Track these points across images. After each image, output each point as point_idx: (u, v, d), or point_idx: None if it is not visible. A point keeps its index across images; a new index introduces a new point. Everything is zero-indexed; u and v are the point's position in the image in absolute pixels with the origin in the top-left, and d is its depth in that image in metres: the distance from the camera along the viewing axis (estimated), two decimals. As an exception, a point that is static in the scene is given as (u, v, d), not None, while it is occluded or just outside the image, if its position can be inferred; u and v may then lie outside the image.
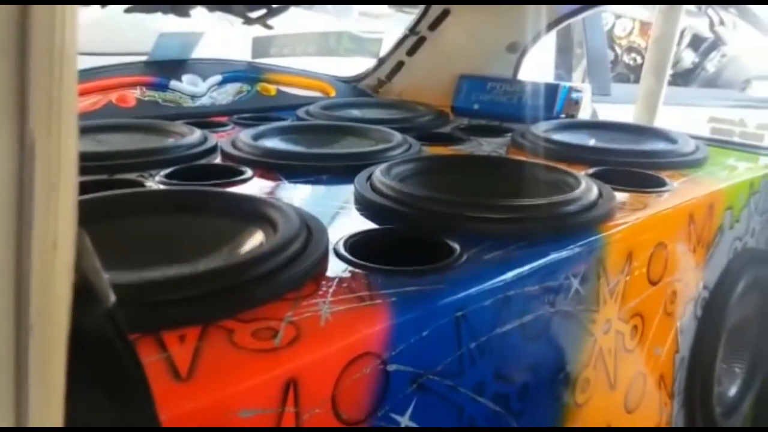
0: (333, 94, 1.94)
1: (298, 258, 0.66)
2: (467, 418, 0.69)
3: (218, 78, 1.73)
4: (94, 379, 0.25)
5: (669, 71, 2.26)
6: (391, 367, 0.60)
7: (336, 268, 0.70)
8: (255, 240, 0.71)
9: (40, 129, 0.19)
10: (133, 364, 0.27)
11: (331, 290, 0.64)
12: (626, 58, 5.52)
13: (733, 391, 1.33)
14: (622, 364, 0.95)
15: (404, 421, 0.62)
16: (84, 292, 0.23)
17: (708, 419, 1.21)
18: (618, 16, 5.46)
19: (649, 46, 2.23)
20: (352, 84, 1.99)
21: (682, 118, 2.45)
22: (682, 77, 4.97)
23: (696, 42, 5.00)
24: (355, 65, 2.04)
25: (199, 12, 1.60)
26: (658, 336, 1.05)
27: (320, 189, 1.02)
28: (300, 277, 0.63)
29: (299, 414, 0.52)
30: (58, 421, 0.22)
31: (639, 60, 5.15)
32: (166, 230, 0.75)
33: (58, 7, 0.20)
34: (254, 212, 0.76)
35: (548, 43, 3.22)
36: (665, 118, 2.26)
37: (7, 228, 0.20)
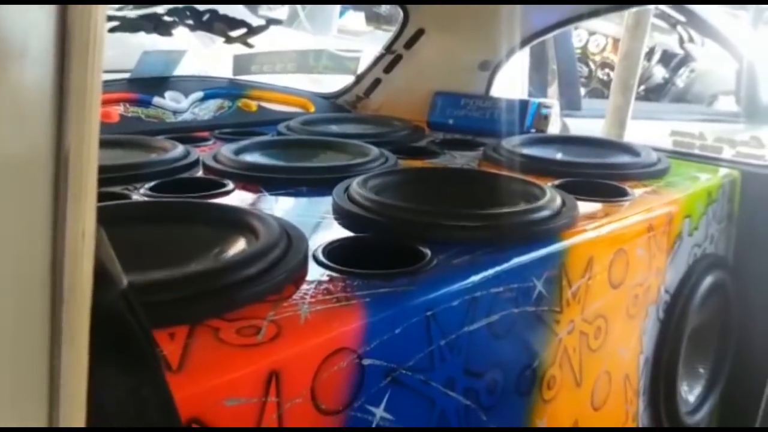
0: (312, 109, 1.99)
1: (279, 263, 0.71)
2: (438, 410, 0.74)
3: (200, 94, 1.77)
4: (109, 350, 0.30)
5: (636, 87, 2.36)
6: (366, 362, 0.64)
7: (315, 272, 0.75)
8: (238, 247, 0.76)
9: (74, 139, 0.24)
10: (143, 336, 0.32)
11: (310, 292, 0.69)
12: (600, 74, 5.66)
13: (696, 390, 1.39)
14: (588, 363, 1.00)
15: (379, 412, 0.67)
16: (101, 276, 0.28)
17: (672, 417, 1.27)
18: (592, 33, 5.60)
19: (616, 63, 2.33)
20: (331, 100, 2.04)
21: (651, 131, 2.54)
22: (654, 92, 5.10)
23: (666, 58, 5.15)
24: (334, 83, 2.10)
25: (180, 30, 1.66)
26: (622, 337, 1.11)
27: (300, 200, 1.07)
28: (281, 280, 0.68)
29: (281, 403, 0.57)
30: (83, 381, 0.27)
31: (612, 75, 5.29)
32: (153, 239, 0.79)
33: (92, 7, 0.24)
34: (237, 221, 0.81)
35: (522, 60, 3.31)
36: (634, 132, 2.34)
37: (45, 220, 0.24)
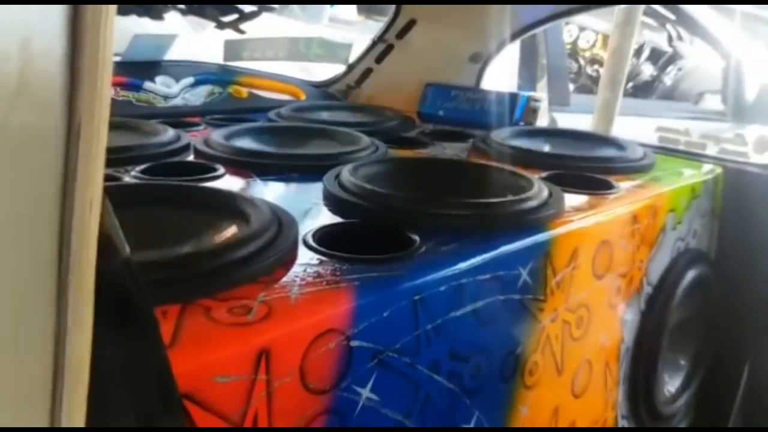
0: (303, 97, 1.99)
1: (270, 246, 0.72)
2: (423, 393, 0.76)
3: (191, 80, 1.77)
4: (111, 315, 0.31)
5: (624, 83, 2.38)
6: (354, 343, 0.66)
7: (305, 256, 0.76)
8: (230, 230, 0.77)
9: (85, 115, 0.25)
10: (144, 303, 0.33)
11: (300, 275, 0.70)
12: (589, 70, 5.70)
13: (675, 381, 1.42)
14: (569, 351, 1.03)
15: (365, 392, 0.68)
16: (106, 244, 0.29)
17: (651, 406, 1.30)
18: (582, 29, 5.63)
19: (605, 60, 2.35)
20: (322, 88, 2.05)
21: (638, 127, 2.57)
22: (642, 89, 5.14)
23: (655, 55, 5.19)
24: (324, 72, 2.10)
25: (172, 15, 1.65)
26: (604, 327, 1.14)
27: (290, 186, 1.08)
28: (272, 262, 0.69)
29: (270, 381, 0.58)
30: (87, 340, 0.28)
31: (601, 71, 5.32)
32: (145, 221, 0.79)
33: (103, 6, 0.25)
34: (229, 205, 0.82)
35: (512, 54, 3.33)
36: (622, 128, 2.37)
37: (55, 190, 0.26)
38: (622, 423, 1.26)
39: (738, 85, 3.47)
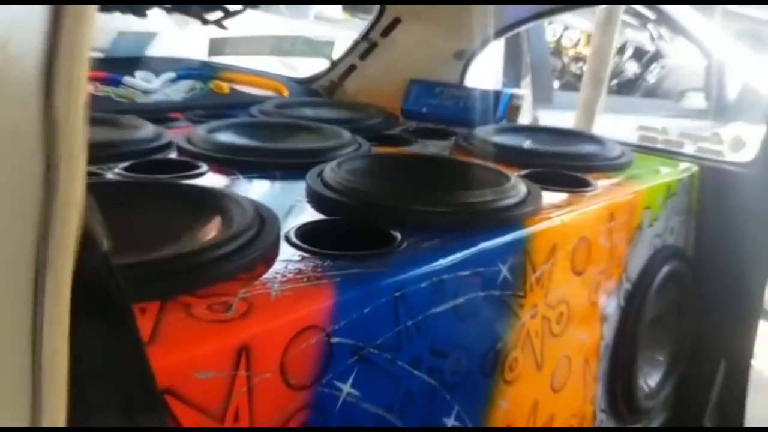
0: (286, 93, 1.99)
1: (252, 243, 0.72)
2: (404, 388, 0.77)
3: (172, 75, 1.76)
4: (89, 309, 0.31)
5: (607, 81, 2.41)
6: (335, 340, 0.67)
7: (287, 253, 0.76)
8: (211, 226, 0.77)
9: (61, 107, 0.25)
10: (121, 298, 0.34)
11: (281, 272, 0.70)
12: (573, 68, 5.73)
13: (654, 375, 1.44)
14: (549, 347, 1.04)
15: (346, 388, 0.69)
16: (86, 238, 0.29)
17: (629, 400, 1.32)
18: (566, 28, 5.67)
19: (588, 58, 2.37)
20: (306, 85, 2.05)
21: (620, 125, 2.60)
22: (626, 87, 5.19)
23: (638, 54, 5.24)
24: (307, 68, 2.10)
25: (155, 12, 1.64)
26: (583, 323, 1.16)
27: (272, 183, 1.08)
28: (252, 259, 0.70)
29: (250, 377, 0.59)
30: (64, 338, 0.28)
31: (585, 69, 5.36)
32: (127, 218, 0.79)
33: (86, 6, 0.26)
34: (211, 202, 0.82)
35: (497, 52, 3.35)
36: (605, 125, 2.39)
37: (37, 185, 0.26)
38: (601, 417, 1.28)
39: (719, 84, 3.52)
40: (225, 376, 0.57)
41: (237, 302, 0.62)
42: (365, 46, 1.92)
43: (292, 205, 0.96)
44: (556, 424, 1.11)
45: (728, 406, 1.50)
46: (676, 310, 1.47)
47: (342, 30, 3.18)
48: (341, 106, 1.81)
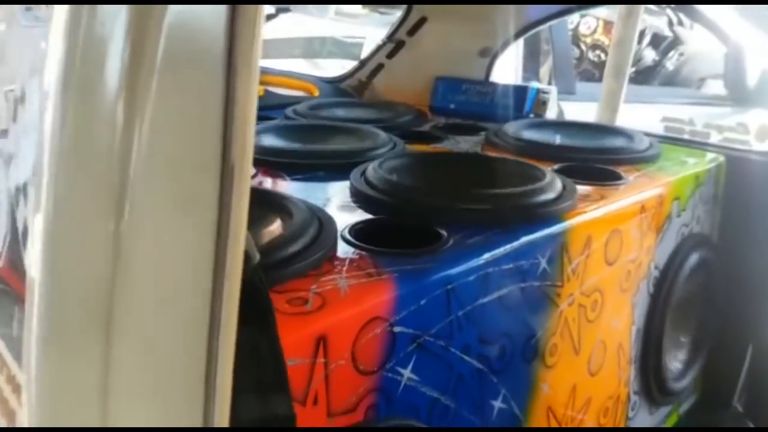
0: (316, 93, 2.06)
1: (315, 242, 0.79)
2: (456, 373, 0.83)
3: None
4: (246, 315, 0.38)
5: (629, 72, 2.43)
6: (397, 329, 0.73)
7: (344, 251, 0.83)
8: (276, 227, 0.84)
9: (241, 101, 0.31)
10: (269, 301, 0.40)
11: (344, 268, 0.77)
12: (591, 56, 5.71)
13: (682, 358, 1.49)
14: (585, 333, 1.10)
15: (407, 373, 0.76)
16: (245, 254, 0.36)
17: (660, 383, 1.38)
18: (583, 15, 5.65)
19: (610, 49, 2.40)
20: (335, 84, 2.11)
21: (642, 116, 2.63)
22: (644, 74, 5.17)
23: (656, 40, 5.21)
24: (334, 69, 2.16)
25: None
26: (616, 309, 1.21)
27: (318, 184, 1.15)
28: (319, 258, 0.77)
29: (328, 364, 0.66)
30: (233, 334, 0.35)
31: (603, 57, 5.34)
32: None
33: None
34: (271, 203, 0.89)
35: (517, 45, 3.37)
36: (627, 117, 2.42)
37: (214, 186, 0.32)
38: (635, 399, 1.33)
39: (739, 71, 3.52)
40: (307, 362, 0.64)
41: (312, 297, 0.69)
42: (392, 46, 1.98)
43: (337, 204, 1.03)
44: (593, 407, 1.17)
45: (756, 387, 1.55)
46: (703, 297, 1.52)
47: (363, 26, 3.22)
48: (371, 105, 1.87)
